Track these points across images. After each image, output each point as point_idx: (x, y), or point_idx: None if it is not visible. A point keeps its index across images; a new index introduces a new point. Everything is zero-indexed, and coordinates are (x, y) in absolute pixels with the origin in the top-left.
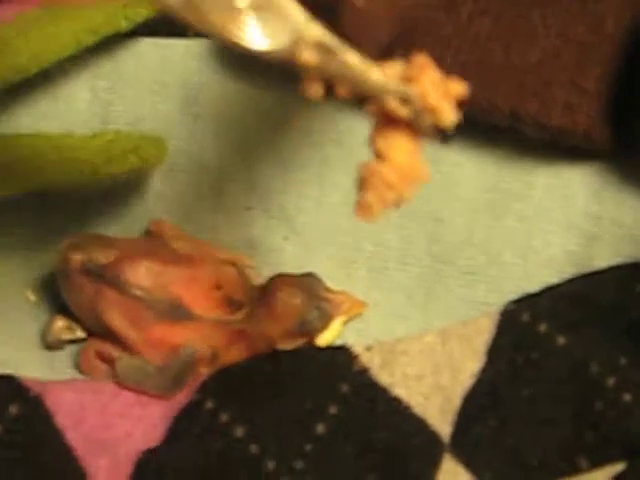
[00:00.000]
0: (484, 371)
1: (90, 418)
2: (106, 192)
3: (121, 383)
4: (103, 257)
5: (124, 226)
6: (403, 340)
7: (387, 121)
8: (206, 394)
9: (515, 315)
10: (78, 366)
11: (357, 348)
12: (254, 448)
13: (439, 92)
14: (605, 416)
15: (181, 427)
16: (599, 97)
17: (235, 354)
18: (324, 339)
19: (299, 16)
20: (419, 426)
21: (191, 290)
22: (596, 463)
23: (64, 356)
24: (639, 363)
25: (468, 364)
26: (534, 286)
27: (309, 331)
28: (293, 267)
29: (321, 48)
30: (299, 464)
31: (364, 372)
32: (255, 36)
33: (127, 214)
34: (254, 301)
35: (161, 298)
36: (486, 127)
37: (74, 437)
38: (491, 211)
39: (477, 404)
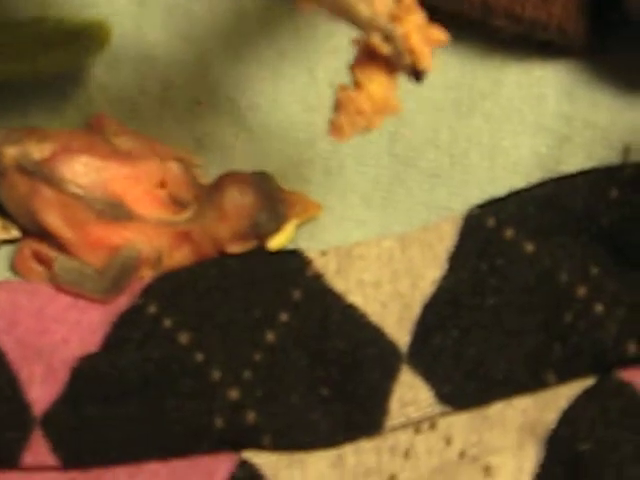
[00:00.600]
0: (446, 279)
1: (24, 321)
2: (46, 84)
3: (58, 285)
4: (38, 152)
5: (65, 120)
6: (360, 245)
7: (368, 54)
8: (149, 298)
9: (480, 220)
10: (13, 267)
11: (311, 253)
12: (199, 356)
13: (421, 36)
14: (574, 328)
15: (121, 333)
16: None
17: (180, 257)
18: (276, 242)
19: None
20: (375, 335)
21: (132, 188)
22: (564, 377)
23: None
24: (611, 272)
25: (429, 271)
26: (500, 190)
27: (260, 233)
28: (244, 166)
29: None
30: (247, 374)
31: (318, 278)
32: None
33: (68, 108)
34: (202, 201)
35: (100, 196)
36: (452, 21)
37: (6, 341)
38: (456, 110)
39: (438, 313)
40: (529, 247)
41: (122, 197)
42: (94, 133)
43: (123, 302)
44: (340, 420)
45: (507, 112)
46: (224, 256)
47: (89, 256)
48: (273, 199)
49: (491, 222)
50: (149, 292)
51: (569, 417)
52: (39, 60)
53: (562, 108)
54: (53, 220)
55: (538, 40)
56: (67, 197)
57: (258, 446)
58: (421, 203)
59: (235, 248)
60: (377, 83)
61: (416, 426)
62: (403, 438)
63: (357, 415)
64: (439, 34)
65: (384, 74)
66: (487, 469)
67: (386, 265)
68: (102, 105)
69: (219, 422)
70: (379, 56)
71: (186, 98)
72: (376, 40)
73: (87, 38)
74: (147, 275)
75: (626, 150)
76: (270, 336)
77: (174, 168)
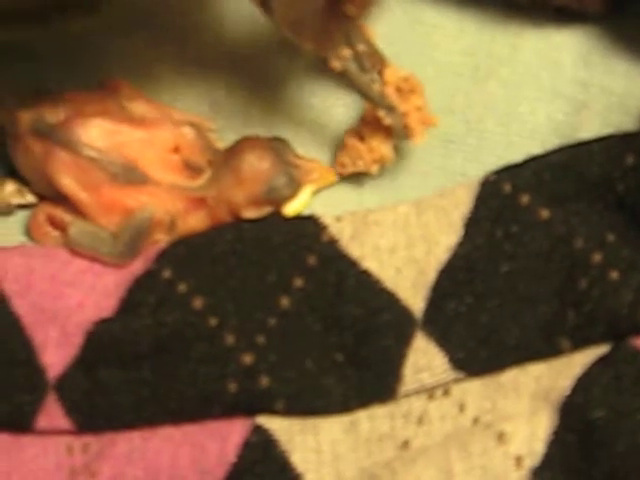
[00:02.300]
0: (461, 245)
1: (39, 285)
2: (59, 47)
3: (73, 250)
4: (53, 116)
5: (78, 84)
6: (376, 211)
7: (374, 118)
8: (163, 263)
9: (495, 186)
10: (28, 232)
11: (326, 218)
12: (213, 321)
13: (419, 116)
14: (589, 295)
15: (136, 297)
16: None
17: (195, 222)
18: (292, 208)
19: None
20: (390, 301)
21: (146, 152)
22: (578, 344)
23: (14, 222)
24: (627, 239)
25: (444, 237)
26: (516, 156)
27: (276, 199)
28: (259, 132)
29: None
30: (261, 339)
31: (333, 243)
32: None
33: (81, 72)
34: (217, 167)
35: (114, 159)
36: None
37: (21, 305)
38: (473, 76)
39: (452, 279)
40: (545, 213)
41: (136, 161)
42: (108, 97)
43: (138, 267)
44: (354, 385)
45: (524, 78)
46: (239, 221)
47: (103, 219)
48: (289, 165)
49: (507, 188)
50: (164, 257)
51: (583, 384)
52: (52, 22)
53: (579, 74)
54: (68, 182)
55: (555, 6)
56: (82, 160)
57: (271, 411)
58: (436, 168)
59: (250, 213)
60: (377, 140)
61: (430, 392)
62: (417, 404)
63: (371, 381)
64: (433, 118)
65: (384, 134)
66: (500, 436)
67: (401, 231)
68: (117, 70)
69: (232, 387)
70: (381, 122)
71: (201, 63)
72: (381, 113)
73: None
74: (161, 239)
75: None
76: (284, 301)
77: (188, 133)
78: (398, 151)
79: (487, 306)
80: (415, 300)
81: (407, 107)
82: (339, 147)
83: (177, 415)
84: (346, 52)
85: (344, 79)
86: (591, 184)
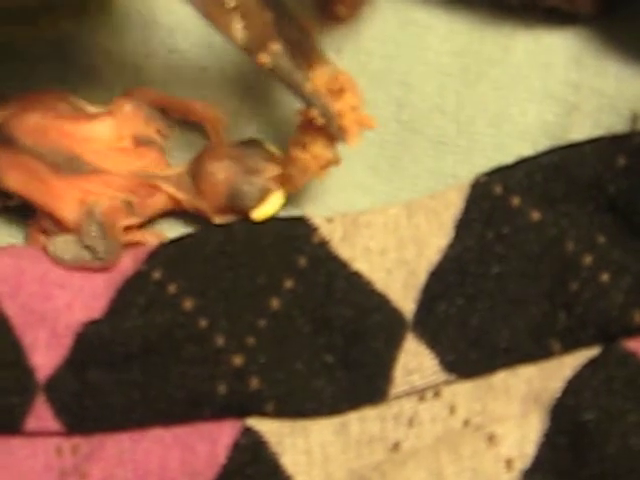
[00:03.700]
0: (452, 246)
1: (28, 286)
2: (49, 48)
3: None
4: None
5: (68, 86)
6: (366, 212)
7: (309, 122)
8: (153, 264)
9: (486, 188)
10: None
11: (317, 220)
12: (203, 322)
13: (353, 117)
14: (580, 297)
15: (125, 298)
16: None
17: (158, 204)
18: (260, 214)
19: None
20: (380, 303)
21: (91, 145)
22: (569, 346)
23: (2, 223)
24: (618, 241)
25: (435, 239)
26: (507, 158)
27: (240, 207)
28: (249, 132)
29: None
30: (251, 340)
31: (323, 245)
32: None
33: (71, 73)
34: (186, 172)
35: (54, 151)
36: None
37: (10, 306)
38: (464, 77)
39: (443, 281)
40: (535, 215)
41: (80, 153)
42: (56, 95)
43: (128, 268)
44: (344, 387)
45: (515, 79)
46: (229, 223)
47: (63, 213)
48: (253, 171)
49: (498, 190)
50: (154, 258)
51: (574, 386)
52: (41, 23)
53: (570, 76)
54: (14, 183)
55: (546, 7)
56: (22, 156)
57: (261, 413)
58: (427, 170)
59: (219, 219)
60: (319, 146)
61: (420, 394)
62: (407, 406)
63: (361, 383)
64: (369, 119)
65: (324, 138)
66: (491, 438)
67: (392, 233)
68: (105, 70)
69: (222, 388)
70: (317, 124)
71: (191, 63)
72: (314, 113)
73: (91, 1)
74: (130, 222)
75: (634, 118)
76: (275, 303)
77: (124, 106)
78: (389, 153)
79: (478, 308)
80: (406, 302)
81: (341, 106)
82: (284, 161)
83: (167, 417)
84: (276, 47)
85: (274, 76)
86: (582, 186)
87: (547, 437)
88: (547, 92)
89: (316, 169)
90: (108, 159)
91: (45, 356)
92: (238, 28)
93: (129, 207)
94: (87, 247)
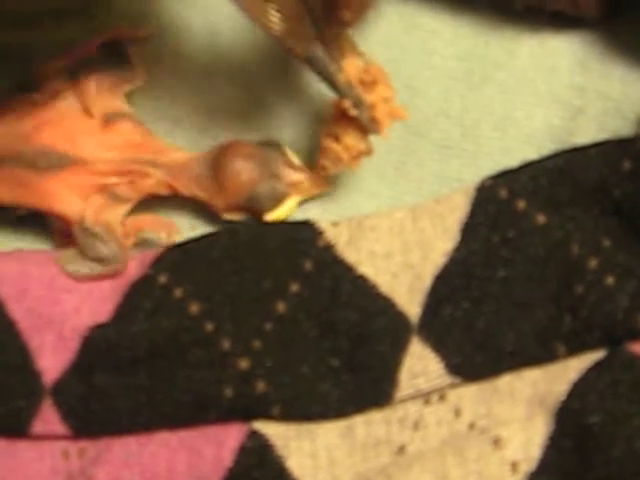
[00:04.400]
0: (457, 250)
1: (36, 290)
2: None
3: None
4: None
5: None
6: (372, 216)
7: (342, 113)
8: (159, 269)
9: (492, 192)
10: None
11: (322, 224)
12: (209, 326)
13: (385, 108)
14: (585, 300)
15: (132, 303)
16: None
17: (152, 185)
18: (273, 216)
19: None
20: (386, 306)
21: (60, 130)
22: (574, 350)
23: (11, 228)
24: (623, 244)
25: (440, 243)
26: (513, 161)
27: (257, 208)
28: (257, 135)
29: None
30: (257, 344)
31: (329, 249)
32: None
33: None
34: (201, 165)
35: (30, 152)
36: None
37: (17, 310)
38: (469, 81)
39: (449, 284)
40: (541, 219)
41: (53, 145)
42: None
43: (134, 272)
44: (350, 391)
45: (520, 83)
46: (235, 226)
47: (62, 208)
48: (274, 176)
49: (503, 193)
50: (160, 262)
51: (579, 389)
52: (48, 29)
53: (575, 79)
54: (4, 195)
55: (551, 11)
56: (2, 169)
57: (267, 416)
58: (433, 174)
59: (230, 216)
60: (351, 137)
61: (426, 397)
62: (413, 409)
63: (367, 386)
64: (402, 111)
65: (357, 129)
66: (496, 441)
67: (397, 236)
68: None
69: (229, 392)
70: (350, 116)
71: (198, 68)
72: (347, 104)
73: (98, 7)
74: (124, 210)
75: None
76: (280, 306)
77: (89, 84)
78: (394, 157)
79: (483, 311)
80: (411, 305)
81: (373, 98)
82: (317, 151)
83: (173, 420)
84: (311, 38)
85: (308, 66)
86: (587, 189)
87: (552, 440)
88: (552, 96)
89: (348, 160)
90: (86, 146)
91: (52, 360)
92: (274, 19)
93: (116, 198)
94: (94, 259)
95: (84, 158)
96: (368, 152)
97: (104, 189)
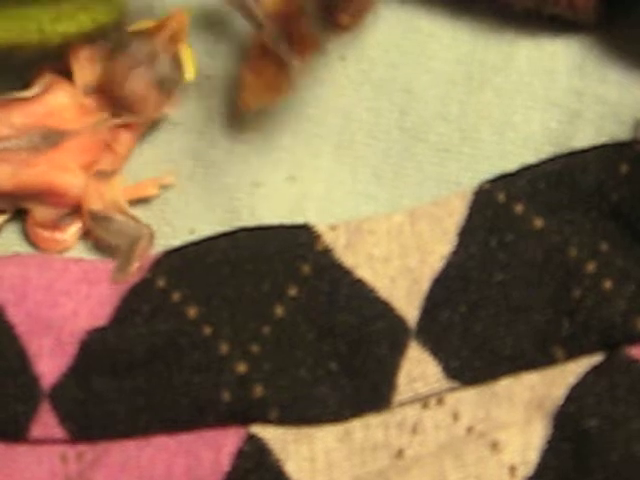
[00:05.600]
0: (455, 254)
1: (34, 295)
2: (54, 56)
3: (68, 258)
4: None
5: None
6: (370, 220)
7: (261, 47)
8: (158, 272)
9: (490, 195)
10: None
11: (320, 227)
12: (207, 330)
13: (304, 40)
14: (583, 304)
15: (130, 307)
16: None
17: (127, 141)
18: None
19: None
20: (384, 310)
21: (46, 112)
22: (572, 353)
23: (9, 232)
24: (621, 248)
25: (438, 246)
26: (511, 165)
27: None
28: (253, 139)
29: None
30: (255, 348)
31: (327, 252)
32: None
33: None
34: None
35: (28, 133)
36: None
37: (16, 314)
38: (467, 84)
39: (446, 288)
40: (539, 222)
41: (41, 123)
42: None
43: (132, 276)
44: (348, 395)
45: (518, 87)
46: (233, 231)
47: (65, 180)
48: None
49: (501, 197)
50: (158, 266)
51: (577, 393)
52: (47, 30)
53: (573, 83)
54: (4, 184)
55: (549, 15)
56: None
57: (265, 420)
58: (431, 178)
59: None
60: (268, 70)
61: (424, 401)
62: (411, 413)
63: (365, 390)
64: (316, 42)
65: (276, 64)
66: (494, 445)
67: (395, 240)
68: None
69: (226, 396)
70: (270, 50)
71: (196, 73)
72: (266, 38)
73: (96, 10)
74: (116, 179)
75: (637, 125)
76: (278, 310)
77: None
78: (392, 160)
79: (481, 315)
80: (409, 309)
81: (291, 30)
82: (237, 85)
83: (171, 424)
84: None
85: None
86: (585, 193)
87: (550, 444)
88: (550, 99)
89: (267, 92)
90: (69, 119)
91: (50, 364)
92: None
93: (105, 175)
94: (121, 243)
95: (73, 131)
96: (287, 91)
97: (90, 167)
